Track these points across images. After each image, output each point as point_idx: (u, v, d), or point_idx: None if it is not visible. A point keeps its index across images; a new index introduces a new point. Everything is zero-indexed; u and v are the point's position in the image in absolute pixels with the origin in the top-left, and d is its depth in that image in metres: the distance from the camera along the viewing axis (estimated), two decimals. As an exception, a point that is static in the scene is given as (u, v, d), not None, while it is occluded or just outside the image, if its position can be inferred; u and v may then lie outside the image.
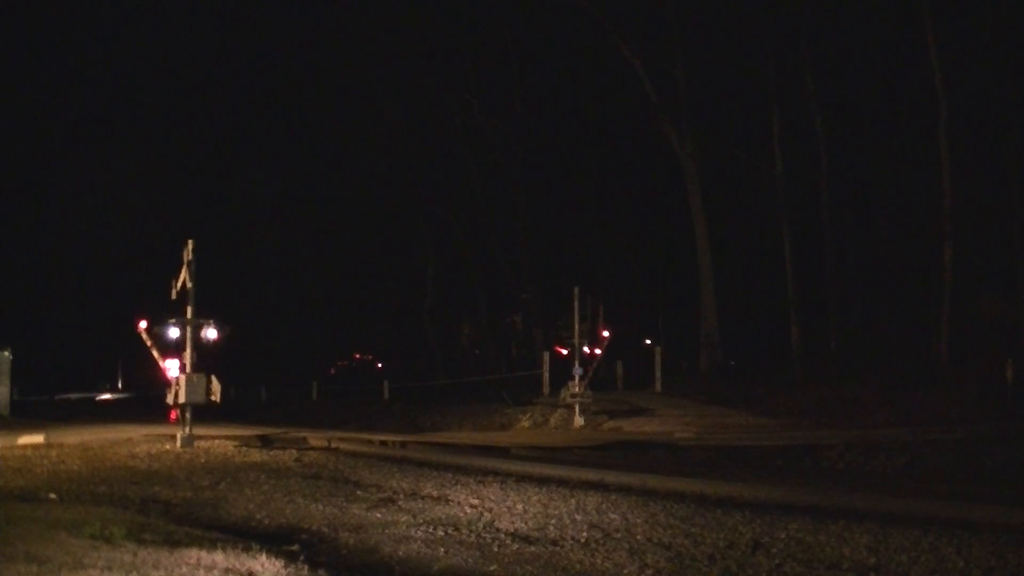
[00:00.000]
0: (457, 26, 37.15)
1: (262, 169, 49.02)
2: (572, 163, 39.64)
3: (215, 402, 14.50)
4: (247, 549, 5.96)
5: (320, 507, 8.41)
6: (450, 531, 7.26)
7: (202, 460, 12.38)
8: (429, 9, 37.65)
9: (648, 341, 38.26)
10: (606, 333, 22.59)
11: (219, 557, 5.67)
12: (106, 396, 56.52)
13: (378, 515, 7.99)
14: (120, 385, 62.67)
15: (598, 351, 22.59)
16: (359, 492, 9.33)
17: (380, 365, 54.03)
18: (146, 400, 40.29)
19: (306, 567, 5.60)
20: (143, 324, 14.73)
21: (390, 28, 38.28)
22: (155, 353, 14.68)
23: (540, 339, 34.94)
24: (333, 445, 15.46)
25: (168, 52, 57.58)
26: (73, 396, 51.56)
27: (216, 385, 14.34)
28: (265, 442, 15.46)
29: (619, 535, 7.05)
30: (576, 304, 21.70)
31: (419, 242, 42.74)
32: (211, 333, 14.80)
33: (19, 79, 56.82)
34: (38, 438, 15.18)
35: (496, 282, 40.46)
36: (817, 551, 6.43)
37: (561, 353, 27.81)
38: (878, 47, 29.22)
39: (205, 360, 14.80)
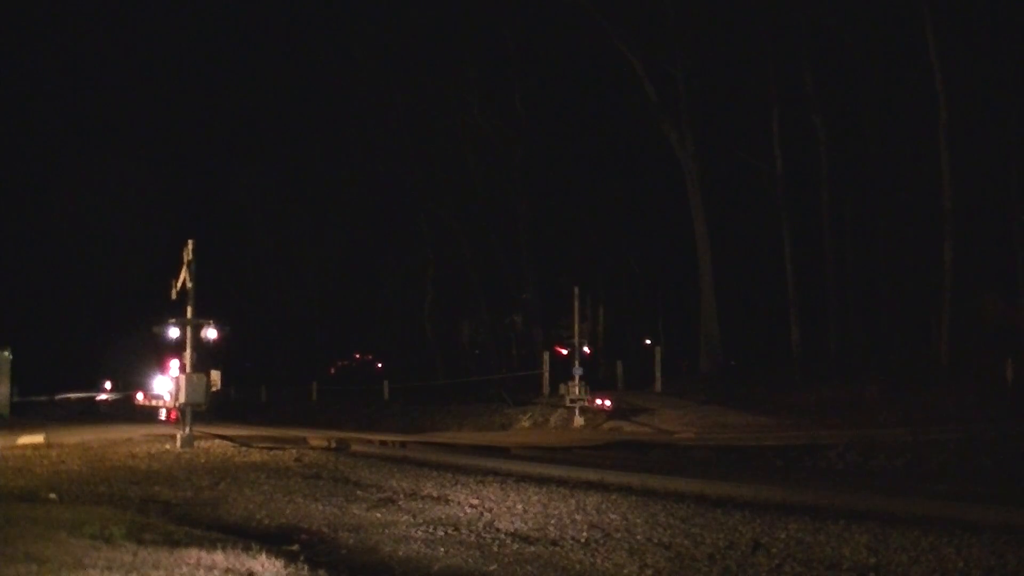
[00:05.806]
0: (457, 26, 37.15)
1: (262, 169, 49.03)
2: (572, 163, 39.61)
3: (215, 391, 14.64)
4: (247, 549, 5.96)
5: (320, 507, 8.41)
6: (450, 531, 7.26)
7: (202, 460, 12.37)
8: (430, 9, 37.67)
9: (648, 341, 38.25)
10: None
11: (219, 557, 5.67)
12: (104, 396, 56.46)
13: (378, 515, 7.99)
14: (119, 386, 62.51)
15: (604, 401, 22.58)
16: (359, 492, 9.33)
17: (380, 365, 53.96)
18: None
19: (306, 567, 5.60)
20: (140, 397, 15.26)
21: (391, 28, 38.29)
22: (154, 403, 14.98)
23: (540, 339, 34.91)
24: (333, 445, 15.46)
25: (169, 52, 57.63)
26: (73, 396, 51.49)
27: (216, 375, 14.40)
28: (265, 442, 15.46)
29: (619, 535, 7.05)
30: (576, 304, 21.72)
31: (419, 242, 42.71)
32: (211, 333, 14.86)
33: (20, 79, 56.85)
34: (38, 438, 15.18)
35: (496, 282, 40.43)
36: (817, 551, 6.43)
37: (561, 353, 27.83)
38: (878, 47, 29.21)
39: (205, 360, 14.87)
